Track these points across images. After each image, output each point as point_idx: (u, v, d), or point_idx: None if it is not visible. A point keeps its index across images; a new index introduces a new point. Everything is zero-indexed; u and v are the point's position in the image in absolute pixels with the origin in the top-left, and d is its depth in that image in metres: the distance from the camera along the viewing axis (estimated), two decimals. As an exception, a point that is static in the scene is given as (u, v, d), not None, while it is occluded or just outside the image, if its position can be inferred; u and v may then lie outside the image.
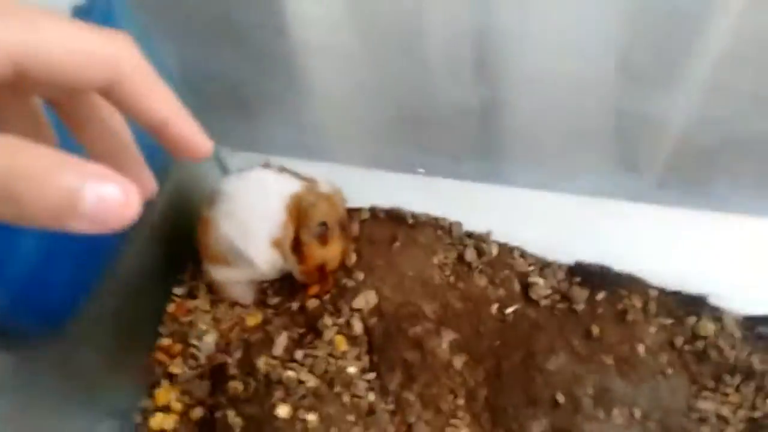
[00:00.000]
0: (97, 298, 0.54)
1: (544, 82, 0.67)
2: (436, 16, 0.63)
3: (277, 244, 0.58)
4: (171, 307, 0.66)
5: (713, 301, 0.64)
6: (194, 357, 0.64)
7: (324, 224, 0.58)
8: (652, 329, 0.62)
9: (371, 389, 0.58)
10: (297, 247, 0.58)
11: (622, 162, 0.75)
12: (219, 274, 0.62)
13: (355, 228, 0.67)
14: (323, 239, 0.58)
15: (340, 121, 0.80)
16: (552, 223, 0.70)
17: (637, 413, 0.57)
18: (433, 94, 0.72)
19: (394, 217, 0.70)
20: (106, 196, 0.17)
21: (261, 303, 0.66)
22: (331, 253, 0.59)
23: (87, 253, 0.53)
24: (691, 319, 0.63)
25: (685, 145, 0.68)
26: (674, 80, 0.60)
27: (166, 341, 0.65)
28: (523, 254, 0.68)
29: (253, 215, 0.59)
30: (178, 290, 0.67)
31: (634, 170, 0.75)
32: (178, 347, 0.64)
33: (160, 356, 0.64)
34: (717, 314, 0.63)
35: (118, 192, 0.18)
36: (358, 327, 0.61)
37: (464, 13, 0.61)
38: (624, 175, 0.76)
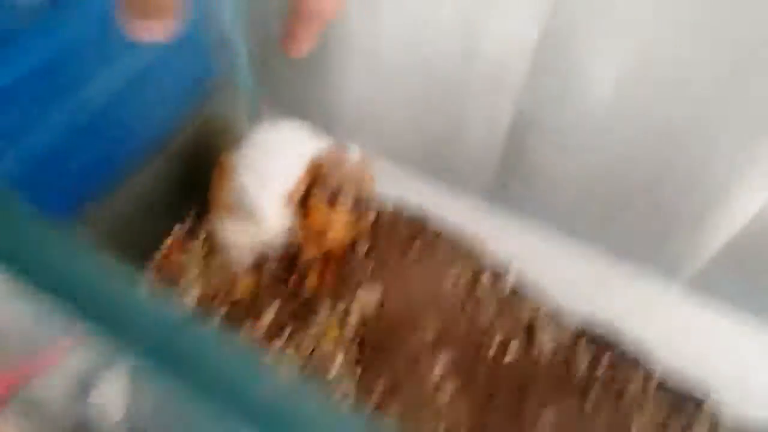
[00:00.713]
0: (97, 210, 0.50)
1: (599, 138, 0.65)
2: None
3: (289, 197, 0.54)
4: (163, 250, 0.62)
5: (714, 404, 0.61)
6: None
7: (338, 188, 0.54)
8: (647, 414, 0.59)
9: (353, 385, 0.54)
10: (304, 203, 0.54)
11: (663, 235, 0.73)
12: (223, 226, 0.57)
13: (370, 214, 0.62)
14: (332, 201, 0.54)
15: (395, 118, 0.77)
16: (576, 275, 0.67)
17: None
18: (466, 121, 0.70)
19: (419, 220, 0.66)
20: None
21: (258, 270, 0.62)
22: (336, 219, 0.55)
23: (105, 153, 0.49)
24: (687, 415, 0.60)
25: (730, 252, 0.65)
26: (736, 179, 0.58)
27: (150, 278, 0.60)
28: (537, 296, 0.65)
29: (274, 167, 0.55)
30: (170, 238, 0.62)
31: (677, 247, 0.72)
32: (159, 288, 0.59)
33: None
34: (713, 420, 0.60)
35: None
36: (353, 319, 0.57)
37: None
38: (663, 251, 0.74)
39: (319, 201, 0.54)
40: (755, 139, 0.53)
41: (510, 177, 0.75)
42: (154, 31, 0.32)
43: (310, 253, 0.58)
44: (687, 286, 0.67)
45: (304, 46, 0.43)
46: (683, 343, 0.63)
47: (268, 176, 0.55)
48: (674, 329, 0.64)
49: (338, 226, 0.56)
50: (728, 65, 0.50)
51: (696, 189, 0.62)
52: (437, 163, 0.79)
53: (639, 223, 0.72)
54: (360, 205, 0.57)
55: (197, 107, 0.60)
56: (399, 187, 0.69)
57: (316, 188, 0.54)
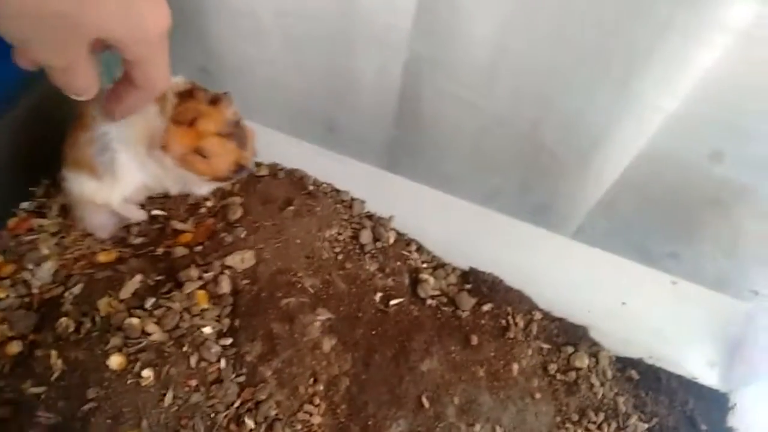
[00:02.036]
0: None
1: (478, 87, 0.65)
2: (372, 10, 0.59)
3: (159, 98, 0.48)
4: (12, 222, 0.57)
5: (593, 335, 0.63)
6: (26, 284, 0.54)
7: (225, 94, 0.49)
8: (530, 351, 0.61)
9: (224, 356, 0.51)
10: (183, 97, 0.49)
11: (534, 187, 0.75)
12: (81, 187, 0.52)
13: (251, 135, 0.56)
14: (215, 102, 0.49)
15: (259, 77, 0.74)
16: (456, 227, 0.67)
17: (499, 431, 0.54)
18: (356, 74, 0.69)
19: (295, 180, 0.64)
20: None
21: (120, 241, 0.58)
22: (214, 113, 0.49)
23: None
24: (569, 349, 0.62)
25: (601, 185, 0.68)
26: (608, 116, 0.59)
27: (-4, 259, 0.55)
28: (420, 249, 0.65)
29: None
30: (25, 204, 0.57)
31: (546, 198, 0.74)
32: (9, 268, 0.55)
33: (-15, 275, 0.54)
34: (594, 349, 0.62)
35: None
36: (225, 285, 0.54)
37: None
38: (534, 200, 0.76)
39: (198, 98, 0.49)
40: (630, 84, 0.55)
41: (403, 133, 0.75)
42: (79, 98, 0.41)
43: (176, 145, 0.49)
44: (566, 232, 0.69)
45: (125, 112, 0.44)
46: (563, 283, 0.65)
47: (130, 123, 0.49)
48: (552, 271, 0.65)
49: (213, 118, 0.49)
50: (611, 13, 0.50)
51: (577, 133, 0.63)
52: (329, 127, 0.78)
53: (522, 175, 0.74)
54: (240, 127, 0.52)
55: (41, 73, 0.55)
56: (277, 151, 0.67)
57: (197, 91, 0.49)
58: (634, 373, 0.62)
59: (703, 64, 0.47)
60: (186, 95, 0.49)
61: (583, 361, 0.61)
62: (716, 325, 0.65)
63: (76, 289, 0.53)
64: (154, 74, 0.42)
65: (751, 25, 0.44)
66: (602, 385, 0.60)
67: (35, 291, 0.54)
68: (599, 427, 0.58)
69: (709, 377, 0.63)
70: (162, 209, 0.60)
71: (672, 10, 0.45)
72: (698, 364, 0.64)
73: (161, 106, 0.48)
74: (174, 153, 0.49)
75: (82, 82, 0.40)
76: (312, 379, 0.52)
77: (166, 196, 0.59)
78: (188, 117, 0.48)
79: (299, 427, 0.50)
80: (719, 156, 0.53)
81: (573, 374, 0.60)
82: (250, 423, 0.49)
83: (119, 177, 0.51)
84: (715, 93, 0.49)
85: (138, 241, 0.58)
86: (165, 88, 0.44)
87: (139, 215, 0.57)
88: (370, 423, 0.52)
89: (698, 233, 0.63)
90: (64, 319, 0.51)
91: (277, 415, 0.50)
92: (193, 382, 0.49)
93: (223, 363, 0.51)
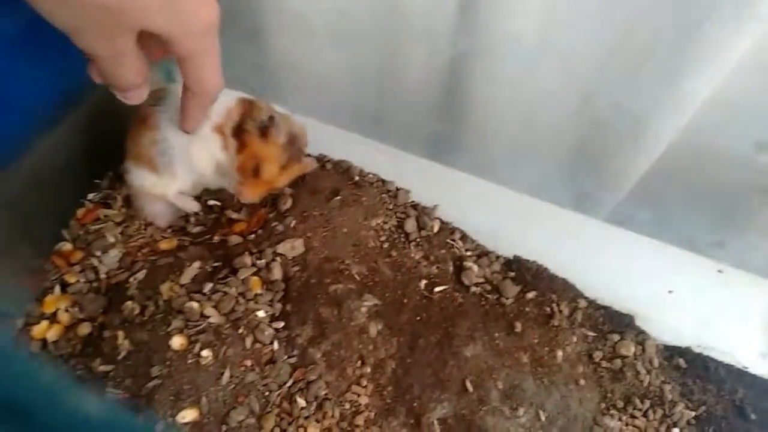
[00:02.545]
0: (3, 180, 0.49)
1: (521, 85, 0.66)
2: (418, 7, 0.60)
3: (218, 129, 0.53)
4: (80, 212, 0.61)
5: (639, 323, 0.63)
6: (94, 269, 0.58)
7: (271, 118, 0.53)
8: (574, 338, 0.61)
9: (277, 338, 0.54)
10: (238, 135, 0.53)
11: (579, 176, 0.75)
12: (141, 180, 0.56)
13: (309, 160, 0.62)
14: (264, 132, 0.53)
15: (309, 73, 0.76)
16: (500, 216, 0.68)
17: (543, 416, 0.55)
18: (402, 69, 0.70)
19: (342, 171, 0.66)
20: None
21: (180, 230, 0.62)
22: (268, 151, 0.54)
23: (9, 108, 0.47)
24: (614, 337, 0.62)
25: (644, 175, 0.67)
26: (652, 108, 0.59)
27: (67, 246, 0.59)
28: (464, 237, 0.66)
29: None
30: (92, 195, 0.62)
31: (592, 187, 0.74)
32: (78, 255, 0.59)
33: (58, 261, 0.58)
34: (640, 338, 0.62)
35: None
36: (277, 272, 0.57)
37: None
38: (579, 189, 0.76)
39: (251, 134, 0.53)
40: (671, 73, 0.55)
41: (447, 124, 0.76)
42: (129, 99, 0.42)
43: (249, 195, 0.56)
44: (606, 218, 0.69)
45: (192, 124, 0.48)
46: (608, 271, 0.65)
47: (193, 143, 0.54)
48: (597, 260, 0.66)
49: (272, 159, 0.55)
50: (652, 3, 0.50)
51: (620, 122, 0.63)
52: (375, 118, 0.79)
53: (565, 164, 0.74)
54: (294, 143, 0.56)
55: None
56: (324, 142, 0.69)
57: (247, 119, 0.53)
58: (681, 362, 0.61)
59: (740, 52, 0.47)
60: (239, 131, 0.53)
61: (629, 349, 0.61)
62: (766, 313, 0.64)
63: (140, 275, 0.57)
64: (205, 74, 0.42)
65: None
66: (648, 372, 0.60)
67: (103, 276, 0.58)
68: (645, 414, 0.58)
69: (760, 367, 0.62)
70: (217, 199, 0.63)
71: (709, 3, 0.45)
72: (748, 354, 0.63)
73: (223, 141, 0.53)
74: (247, 200, 0.56)
75: (129, 73, 0.40)
76: (359, 362, 0.55)
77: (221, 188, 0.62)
78: (250, 167, 0.54)
79: (347, 406, 0.52)
80: (764, 145, 0.53)
81: (618, 362, 0.60)
82: (301, 401, 0.51)
83: (177, 175, 0.55)
84: (757, 82, 0.48)
85: (196, 229, 0.61)
86: (217, 91, 0.45)
87: (193, 206, 0.60)
88: (415, 404, 0.54)
89: (744, 222, 0.62)
90: (129, 303, 0.55)
91: (326, 395, 0.52)
92: (249, 363, 0.52)
93: (276, 345, 0.54)
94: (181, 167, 0.55)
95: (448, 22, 0.63)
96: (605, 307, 0.64)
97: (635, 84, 0.56)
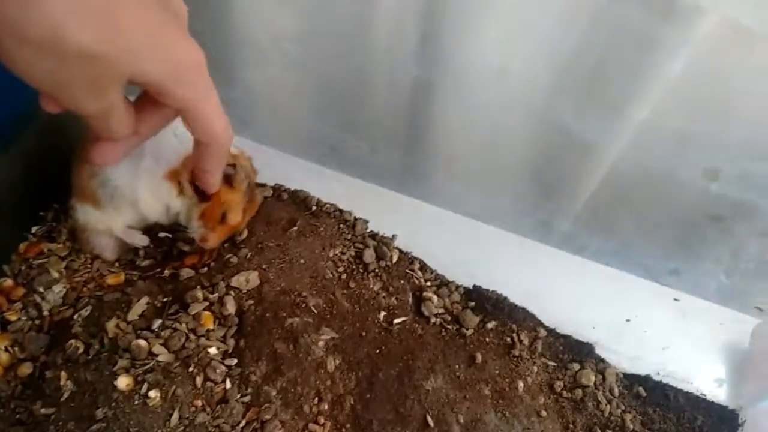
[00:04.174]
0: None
1: (479, 107, 0.66)
2: (379, 36, 0.61)
3: (172, 175, 0.50)
4: (23, 246, 0.58)
5: (599, 352, 0.63)
6: (37, 306, 0.55)
7: (234, 166, 0.52)
8: (535, 368, 0.61)
9: (230, 376, 0.52)
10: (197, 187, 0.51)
11: (537, 204, 0.75)
12: (85, 215, 0.54)
13: (258, 198, 0.61)
14: (230, 180, 0.52)
15: (265, 101, 0.76)
16: (459, 245, 0.68)
17: (504, 450, 0.54)
18: (360, 98, 0.70)
19: (298, 201, 0.65)
20: None
21: (128, 263, 0.59)
22: (234, 199, 0.53)
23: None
24: (575, 366, 0.62)
25: (599, 202, 0.68)
26: (602, 133, 0.60)
27: (8, 282, 0.56)
28: (423, 267, 0.65)
29: (148, 150, 0.50)
30: (35, 228, 0.59)
31: (549, 215, 0.75)
32: (20, 291, 0.56)
33: (-3, 299, 0.55)
34: (600, 366, 0.62)
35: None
36: (230, 306, 0.55)
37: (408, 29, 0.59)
38: (537, 218, 0.76)
39: None
40: (618, 101, 0.56)
41: (406, 154, 0.76)
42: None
43: (213, 241, 0.55)
44: (564, 247, 0.69)
45: (214, 178, 0.46)
46: (567, 300, 0.65)
47: (141, 158, 0.51)
48: (556, 288, 0.66)
49: (237, 205, 0.53)
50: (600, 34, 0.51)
51: (574, 151, 0.64)
52: (332, 147, 0.79)
53: (523, 193, 0.74)
54: (252, 188, 0.56)
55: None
56: (280, 172, 0.68)
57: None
58: (641, 390, 0.62)
59: (684, 78, 0.48)
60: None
61: (589, 379, 0.61)
62: (723, 341, 0.65)
63: (85, 312, 0.54)
64: (210, 122, 0.39)
65: (727, 41, 0.45)
66: (609, 402, 0.60)
67: (45, 313, 0.55)
68: (606, 445, 0.58)
69: (717, 394, 0.63)
70: (169, 231, 0.61)
71: (651, 28, 0.46)
72: (706, 381, 0.63)
73: (177, 189, 0.52)
74: (212, 246, 0.55)
75: (122, 128, 0.38)
76: (317, 399, 0.53)
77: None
78: (217, 214, 0.52)
79: (304, 446, 0.50)
80: (714, 173, 0.54)
81: (579, 392, 0.60)
82: (255, 443, 0.49)
83: (121, 209, 0.53)
84: (703, 109, 0.50)
85: (145, 263, 0.59)
86: (230, 138, 0.42)
87: (142, 240, 0.58)
88: (375, 442, 0.52)
89: (698, 250, 0.63)
90: (73, 341, 0.52)
91: (282, 434, 0.50)
92: (199, 403, 0.50)
93: (228, 383, 0.51)
94: (125, 203, 0.53)
95: (407, 52, 0.63)
96: (565, 336, 0.64)
97: (585, 110, 0.57)
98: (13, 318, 0.54)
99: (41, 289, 0.56)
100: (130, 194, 0.52)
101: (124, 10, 0.31)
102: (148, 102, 0.40)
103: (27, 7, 0.28)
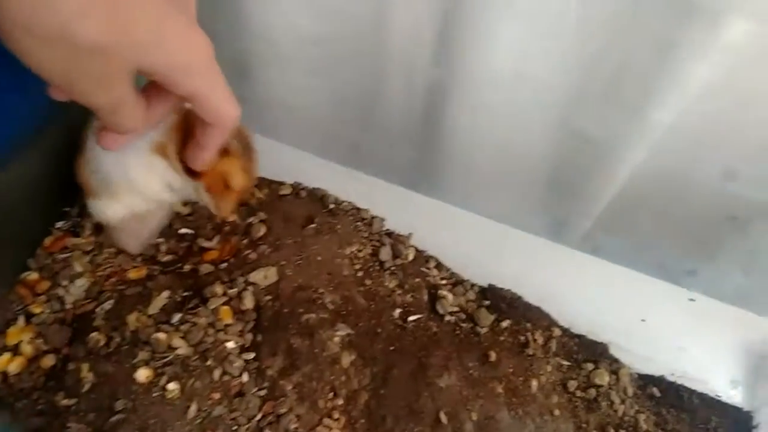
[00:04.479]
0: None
1: (497, 109, 0.66)
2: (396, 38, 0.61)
3: (158, 149, 0.47)
4: (48, 240, 0.59)
5: (613, 352, 0.63)
6: (60, 300, 0.57)
7: None
8: (549, 367, 0.61)
9: (246, 370, 0.53)
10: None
11: (553, 204, 0.75)
12: (99, 210, 0.54)
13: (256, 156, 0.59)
14: (225, 149, 0.51)
15: (284, 101, 0.76)
16: (475, 244, 0.68)
17: (517, 448, 0.55)
18: (379, 98, 0.70)
19: (316, 199, 0.66)
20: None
21: (150, 258, 0.60)
22: (233, 163, 0.50)
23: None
24: (589, 366, 0.62)
25: (616, 203, 0.68)
26: (621, 136, 0.60)
27: (33, 276, 0.58)
28: (439, 265, 0.65)
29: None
30: (60, 223, 0.60)
31: (564, 215, 0.75)
32: (44, 285, 0.57)
33: (23, 291, 0.57)
34: (615, 366, 0.62)
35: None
36: (249, 301, 0.56)
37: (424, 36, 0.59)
38: (552, 217, 0.76)
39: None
40: (639, 103, 0.56)
41: (423, 153, 0.77)
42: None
43: (229, 209, 0.52)
44: (580, 247, 0.69)
45: (208, 155, 0.44)
46: (581, 300, 0.65)
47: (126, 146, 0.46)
48: (571, 288, 0.66)
49: (236, 169, 0.50)
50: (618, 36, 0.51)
51: (592, 152, 0.64)
52: (352, 146, 0.79)
53: (539, 193, 0.74)
54: (244, 141, 0.53)
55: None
56: (299, 170, 0.69)
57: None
58: (655, 391, 0.61)
59: (703, 81, 0.48)
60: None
61: (603, 378, 0.61)
62: (738, 342, 0.65)
63: (107, 305, 0.55)
64: (221, 107, 0.39)
65: (747, 44, 0.44)
66: (623, 402, 0.60)
67: (69, 306, 0.56)
68: (620, 444, 0.58)
69: (732, 395, 0.62)
70: (189, 228, 0.62)
71: (671, 31, 0.46)
72: (721, 382, 0.63)
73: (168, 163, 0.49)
74: (228, 214, 0.53)
75: (132, 121, 0.38)
76: (331, 393, 0.54)
77: (192, 215, 0.62)
78: (220, 184, 0.50)
79: (319, 440, 0.51)
80: (732, 174, 0.54)
81: (593, 391, 0.60)
82: (271, 436, 0.50)
83: (119, 195, 0.51)
84: (722, 111, 0.49)
85: (166, 258, 0.60)
86: (237, 119, 0.42)
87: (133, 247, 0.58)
88: (388, 437, 0.53)
89: (715, 250, 0.63)
90: (95, 334, 0.53)
91: (296, 428, 0.51)
92: (217, 396, 0.51)
93: (245, 377, 0.52)
94: (122, 188, 0.50)
95: (425, 53, 0.64)
96: (579, 336, 0.64)
97: (604, 113, 0.56)
98: (38, 311, 0.56)
99: (65, 283, 0.57)
100: (124, 176, 0.49)
101: (132, 3, 0.32)
102: (154, 89, 0.40)
103: (36, 3, 0.29)
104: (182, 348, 0.52)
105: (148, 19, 0.33)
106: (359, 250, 0.63)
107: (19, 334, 0.55)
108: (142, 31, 0.33)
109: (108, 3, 0.31)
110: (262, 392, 0.52)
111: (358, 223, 0.65)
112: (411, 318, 0.60)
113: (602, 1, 0.48)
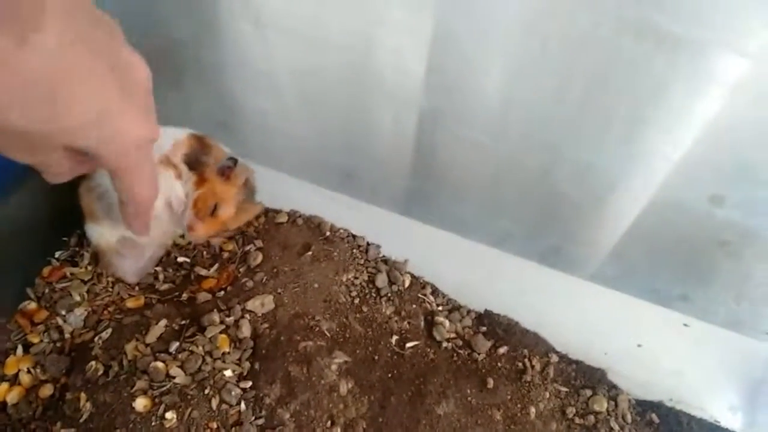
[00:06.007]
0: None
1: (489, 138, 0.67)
2: (386, 69, 0.62)
3: (165, 160, 0.50)
4: (46, 270, 0.60)
5: (611, 377, 0.63)
6: (59, 329, 0.57)
7: (233, 160, 0.52)
8: (547, 394, 0.61)
9: (244, 399, 0.53)
10: (194, 167, 0.52)
11: (547, 230, 0.76)
12: (92, 233, 0.55)
13: (258, 208, 0.62)
14: (226, 174, 0.52)
15: (278, 130, 0.77)
16: (470, 270, 0.69)
17: (516, 475, 0.54)
18: (371, 126, 0.71)
19: (313, 226, 0.67)
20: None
21: (148, 287, 0.61)
22: (230, 192, 0.53)
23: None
24: (587, 392, 0.62)
25: (608, 225, 0.69)
26: (614, 165, 0.61)
27: (32, 305, 0.58)
28: (435, 292, 0.66)
29: None
30: (58, 253, 0.61)
31: (559, 242, 0.75)
32: (43, 314, 0.58)
33: (21, 321, 0.57)
34: (612, 392, 0.62)
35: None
36: (246, 329, 0.56)
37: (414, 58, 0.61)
38: (547, 243, 0.77)
39: (211, 171, 0.53)
40: (634, 135, 0.57)
41: (417, 180, 0.77)
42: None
43: (202, 233, 0.54)
44: (574, 272, 0.70)
45: (138, 226, 0.45)
46: (578, 325, 0.66)
47: None
48: (567, 314, 0.66)
49: (230, 200, 0.54)
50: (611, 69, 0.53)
51: (587, 180, 0.64)
52: (346, 174, 0.80)
53: (534, 219, 0.75)
54: (248, 185, 0.56)
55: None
56: (295, 198, 0.70)
57: (205, 158, 0.53)
58: (654, 417, 0.61)
59: (702, 115, 0.49)
60: (196, 163, 0.52)
61: (602, 405, 0.61)
62: (734, 367, 0.65)
63: (105, 334, 0.56)
64: (137, 187, 0.40)
65: (743, 80, 0.46)
66: (622, 429, 0.60)
67: (67, 336, 0.57)
68: (619, 471, 0.57)
69: (731, 421, 0.62)
70: (187, 256, 0.62)
71: (668, 67, 0.47)
72: (720, 408, 0.63)
73: (175, 171, 0.51)
74: (198, 237, 0.54)
75: (59, 176, 0.38)
76: (329, 422, 0.54)
77: (190, 244, 0.62)
78: (209, 206, 0.52)
79: (317, 469, 0.51)
80: (720, 199, 0.54)
81: (592, 418, 0.60)
82: (268, 465, 0.50)
83: (118, 219, 0.50)
84: (713, 140, 0.50)
85: (164, 287, 0.60)
86: (152, 200, 0.43)
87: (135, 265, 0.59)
88: (386, 466, 0.53)
89: (707, 275, 0.63)
90: (93, 363, 0.53)
91: (294, 457, 0.51)
92: (214, 425, 0.51)
93: (242, 405, 0.52)
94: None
95: (415, 83, 0.65)
96: (577, 362, 0.64)
97: (596, 142, 0.57)
98: (36, 340, 0.56)
99: (63, 312, 0.57)
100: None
101: (72, 89, 0.32)
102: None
103: None
104: (180, 377, 0.52)
105: (88, 104, 0.33)
106: (356, 277, 0.64)
107: (17, 363, 0.55)
108: (79, 117, 0.33)
109: (46, 93, 0.31)
110: (260, 421, 0.52)
111: (355, 251, 0.66)
112: (408, 345, 0.60)
113: (588, 32, 0.50)
